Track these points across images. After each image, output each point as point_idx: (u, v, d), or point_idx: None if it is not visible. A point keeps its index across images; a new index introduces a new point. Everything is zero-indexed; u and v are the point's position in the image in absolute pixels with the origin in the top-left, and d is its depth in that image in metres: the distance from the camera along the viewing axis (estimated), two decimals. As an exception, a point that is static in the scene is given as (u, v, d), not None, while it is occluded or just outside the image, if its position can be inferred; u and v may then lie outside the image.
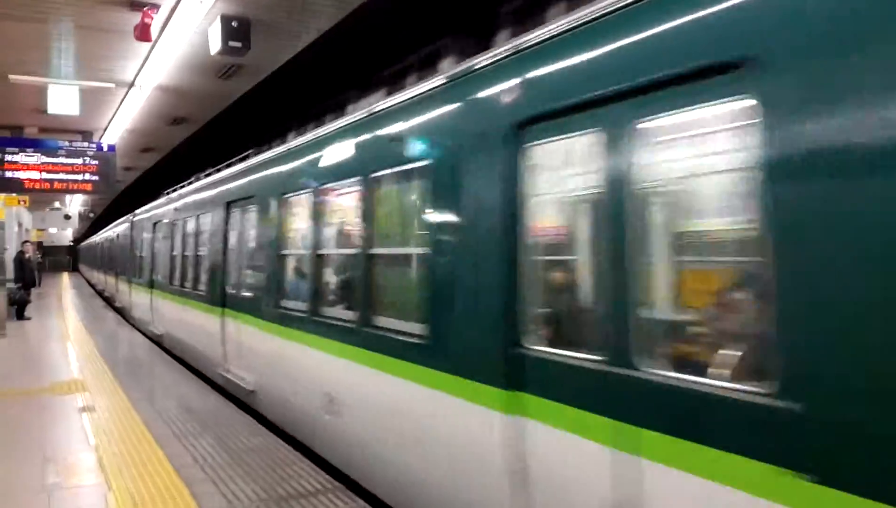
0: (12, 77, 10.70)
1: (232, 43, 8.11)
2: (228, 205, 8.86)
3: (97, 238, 34.47)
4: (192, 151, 18.23)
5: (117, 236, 22.55)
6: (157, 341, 13.09)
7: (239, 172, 8.85)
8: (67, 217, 33.21)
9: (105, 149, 14.21)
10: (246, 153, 9.12)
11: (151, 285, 14.09)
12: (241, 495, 4.93)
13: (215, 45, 8.22)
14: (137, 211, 17.64)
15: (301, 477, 5.28)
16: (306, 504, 4.76)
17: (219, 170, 10.48)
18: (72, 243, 59.46)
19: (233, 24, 8.07)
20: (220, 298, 8.81)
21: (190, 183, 12.43)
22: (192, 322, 10.28)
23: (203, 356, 9.77)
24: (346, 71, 10.56)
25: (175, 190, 13.52)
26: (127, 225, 19.24)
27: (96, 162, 13.98)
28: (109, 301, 24.14)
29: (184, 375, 9.85)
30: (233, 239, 8.72)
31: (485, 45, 4.28)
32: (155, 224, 14.27)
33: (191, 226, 10.89)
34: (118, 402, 7.96)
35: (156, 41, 8.89)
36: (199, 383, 9.24)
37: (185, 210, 11.52)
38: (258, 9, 7.94)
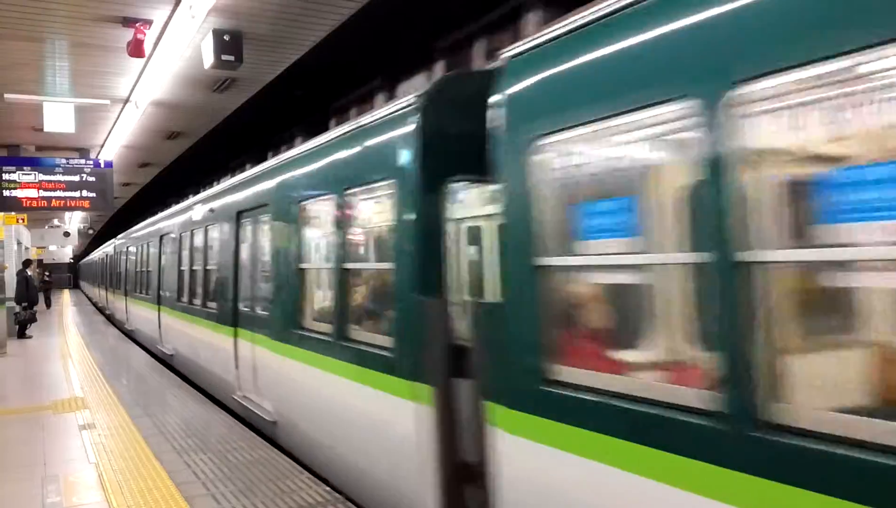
0: (8, 96, 10.73)
1: (224, 57, 8.13)
2: (161, 237, 13.38)
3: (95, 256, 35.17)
4: (189, 165, 18.26)
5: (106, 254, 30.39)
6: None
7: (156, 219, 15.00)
8: (67, 234, 33.14)
9: (102, 165, 14.23)
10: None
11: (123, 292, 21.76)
12: (242, 509, 4.91)
13: (208, 59, 8.24)
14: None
15: (301, 490, 5.26)
16: (307, 516, 4.74)
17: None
18: (72, 261, 59.50)
19: (225, 37, 8.09)
20: (156, 297, 13.40)
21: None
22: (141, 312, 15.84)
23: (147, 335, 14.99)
24: (337, 82, 10.58)
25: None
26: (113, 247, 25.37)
27: (94, 179, 13.99)
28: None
29: (183, 390, 9.84)
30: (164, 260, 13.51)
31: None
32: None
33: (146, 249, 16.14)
34: (118, 419, 7.94)
35: (149, 57, 8.92)
36: (198, 397, 9.23)
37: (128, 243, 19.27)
38: (249, 22, 7.96)
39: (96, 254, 32.75)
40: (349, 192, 5.32)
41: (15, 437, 7.27)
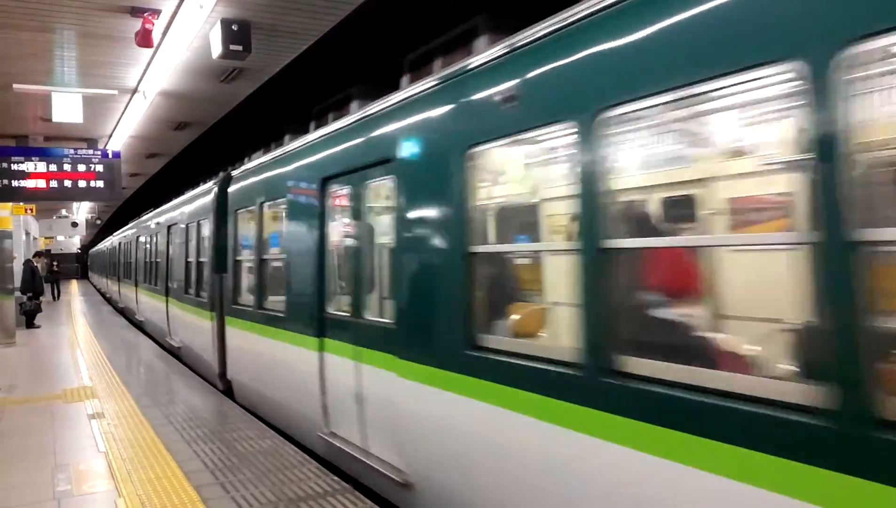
0: (16, 86, 10.74)
1: (233, 46, 8.08)
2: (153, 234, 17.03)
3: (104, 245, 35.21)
4: (197, 156, 18.28)
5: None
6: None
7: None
8: (75, 225, 33.25)
9: (110, 156, 14.22)
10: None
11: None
12: (251, 498, 4.93)
13: (216, 49, 8.20)
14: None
15: (310, 479, 5.28)
16: (315, 506, 4.76)
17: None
18: (80, 251, 59.75)
19: (233, 27, 8.05)
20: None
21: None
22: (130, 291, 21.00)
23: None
24: (346, 72, 10.55)
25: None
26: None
27: (102, 169, 14.00)
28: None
29: (192, 379, 9.89)
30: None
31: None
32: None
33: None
34: (127, 408, 7.99)
35: (157, 47, 8.89)
36: (207, 387, 9.27)
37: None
38: (258, 12, 7.93)
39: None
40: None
41: (25, 426, 7.32)
